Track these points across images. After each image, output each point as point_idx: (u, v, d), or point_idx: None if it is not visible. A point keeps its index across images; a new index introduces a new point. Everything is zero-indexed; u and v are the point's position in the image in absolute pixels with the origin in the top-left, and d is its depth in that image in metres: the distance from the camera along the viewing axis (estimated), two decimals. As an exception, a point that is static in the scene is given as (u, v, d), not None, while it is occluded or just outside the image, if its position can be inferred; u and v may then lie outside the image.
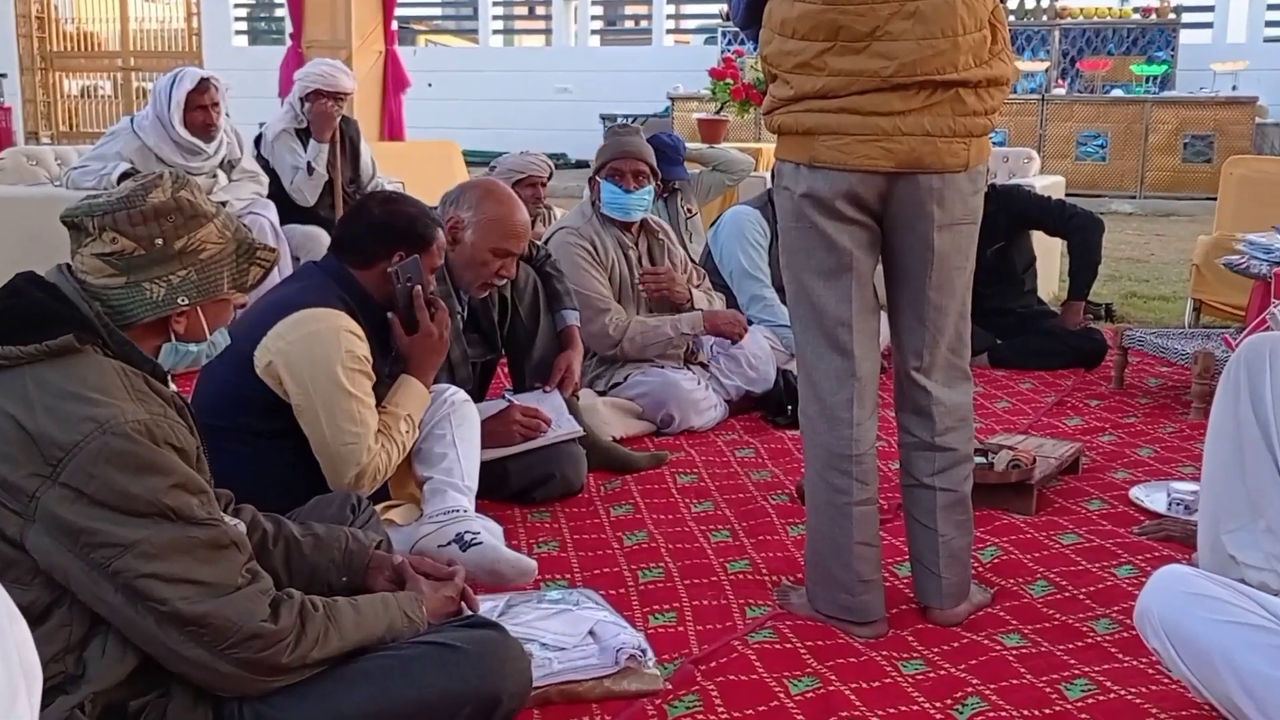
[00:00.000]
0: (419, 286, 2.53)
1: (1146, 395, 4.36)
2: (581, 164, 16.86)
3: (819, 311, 2.26)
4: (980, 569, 2.66)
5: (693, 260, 4.33)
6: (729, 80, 7.12)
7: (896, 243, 2.27)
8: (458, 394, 2.75)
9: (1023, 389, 4.48)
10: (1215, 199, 6.13)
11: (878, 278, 2.31)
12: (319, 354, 2.38)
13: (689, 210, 5.42)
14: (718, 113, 7.23)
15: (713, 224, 4.78)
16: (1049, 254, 5.97)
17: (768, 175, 5.90)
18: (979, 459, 3.00)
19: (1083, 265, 4.80)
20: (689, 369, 4.00)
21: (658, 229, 4.00)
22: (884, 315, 2.39)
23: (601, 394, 3.83)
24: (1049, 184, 6.32)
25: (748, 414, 4.06)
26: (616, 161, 3.86)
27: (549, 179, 5.00)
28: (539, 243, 3.60)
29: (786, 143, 2.24)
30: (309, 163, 5.02)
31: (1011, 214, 4.76)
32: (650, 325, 3.84)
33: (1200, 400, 3.99)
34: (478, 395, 3.25)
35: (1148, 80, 13.03)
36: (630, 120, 16.72)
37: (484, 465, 2.76)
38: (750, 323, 4.40)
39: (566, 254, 3.76)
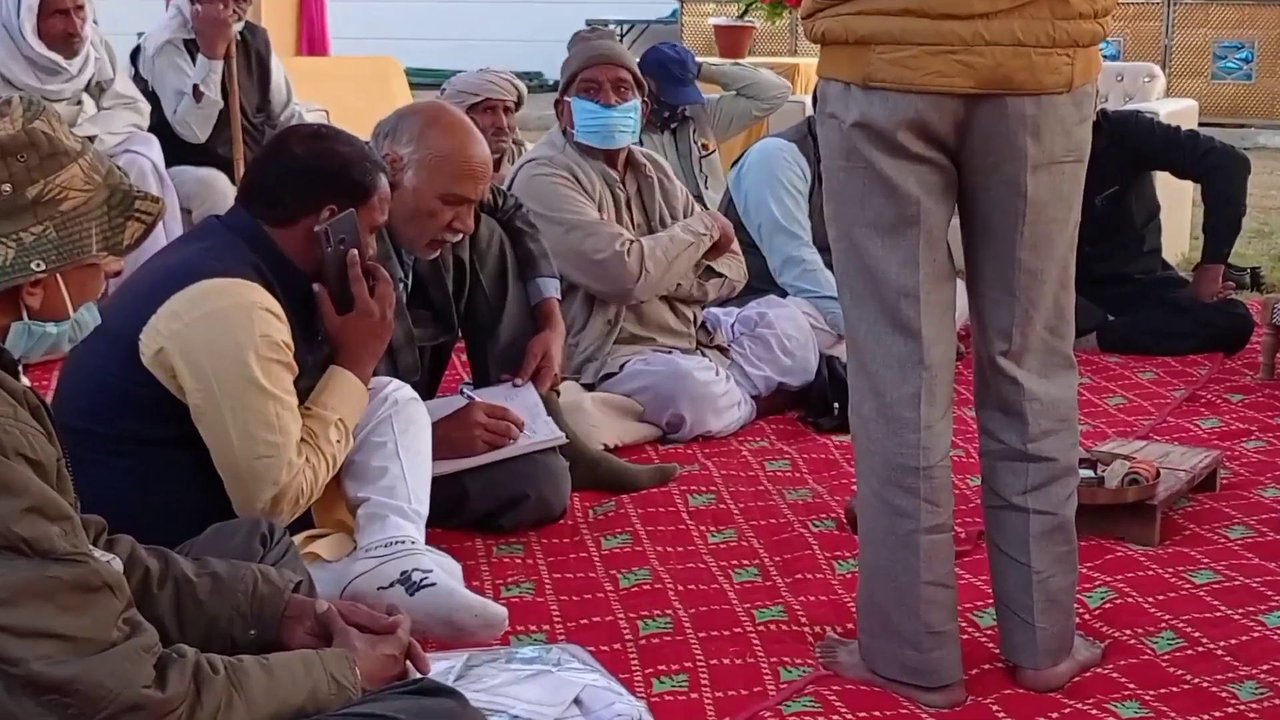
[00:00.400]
0: (355, 250, 2.53)
1: (1304, 387, 4.38)
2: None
3: (876, 279, 2.26)
4: (1087, 616, 2.66)
5: (701, 203, 4.32)
6: (755, -24, 7.12)
7: (978, 188, 2.27)
8: (401, 390, 2.75)
9: (1142, 380, 4.49)
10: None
11: (953, 235, 2.31)
12: (225, 339, 2.38)
13: (704, 147, 5.42)
14: (741, 17, 7.23)
15: (734, 163, 4.78)
16: (1177, 203, 5.98)
17: (808, 100, 5.89)
18: (1085, 472, 3.00)
19: (1221, 218, 4.80)
20: (703, 354, 4.01)
21: (645, 163, 4.01)
22: (961, 284, 2.38)
23: (590, 387, 3.83)
24: (1177, 110, 6.33)
25: (781, 414, 4.06)
26: (589, 70, 3.88)
27: (518, 105, 5.00)
28: (505, 188, 3.60)
29: (833, 56, 2.24)
30: (196, 85, 4.99)
31: (1127, 150, 4.76)
32: (661, 238, 3.86)
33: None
34: (428, 391, 3.25)
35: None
36: (620, 28, 16.73)
37: (436, 482, 2.76)
38: (785, 293, 4.42)
39: (539, 189, 3.76)
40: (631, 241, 3.78)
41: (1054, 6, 2.17)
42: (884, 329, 2.28)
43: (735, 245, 4.12)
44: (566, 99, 3.90)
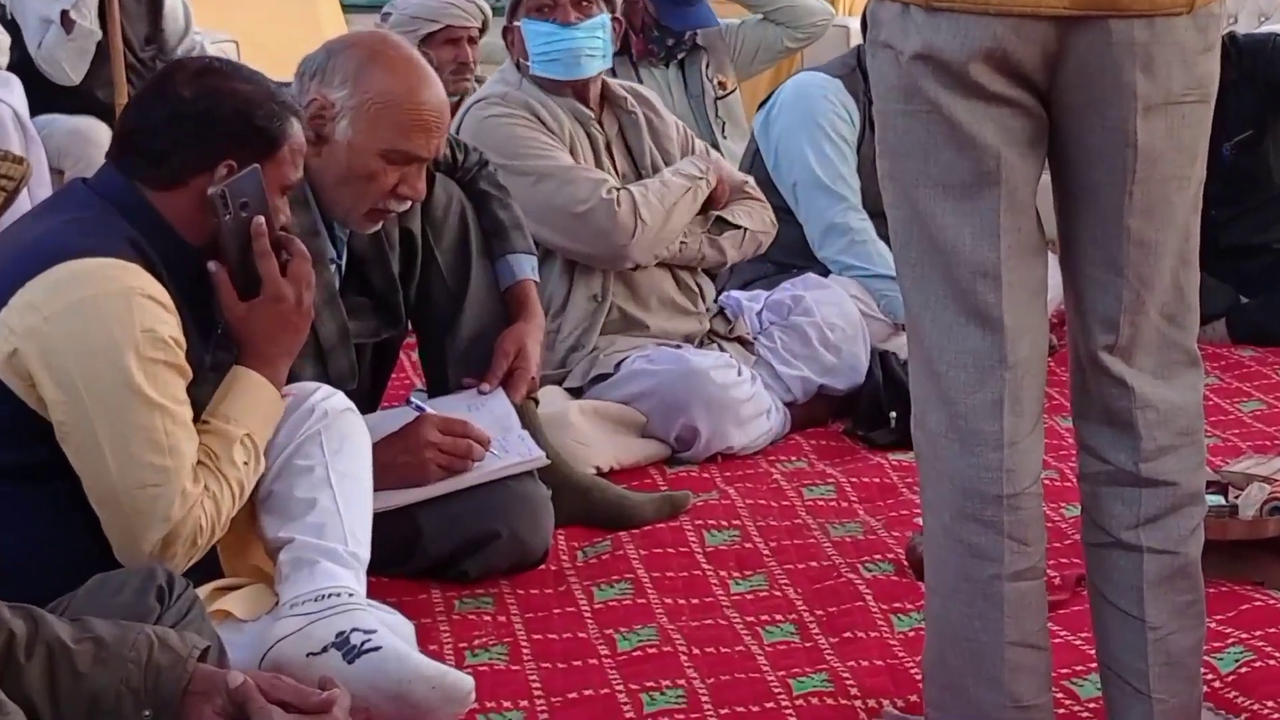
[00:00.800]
0: (261, 217, 2.54)
1: None
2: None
3: (946, 254, 2.27)
4: (1217, 684, 2.66)
5: (714, 146, 4.32)
6: None
7: (1075, 137, 2.27)
8: (333, 399, 2.75)
9: (1286, 380, 4.50)
10: None
11: (1043, 197, 2.32)
12: (96, 336, 2.38)
13: (720, 85, 5.42)
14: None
15: (761, 105, 4.79)
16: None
17: (854, 24, 5.90)
18: (1213, 499, 3.00)
19: None
20: (721, 348, 4.02)
21: (626, 96, 4.04)
22: (1053, 259, 2.39)
23: (577, 393, 3.84)
24: (1327, 32, 6.31)
25: (823, 426, 4.08)
26: None
27: (482, 32, 5.00)
28: (466, 141, 3.61)
29: None
30: (65, 11, 4.99)
31: (1264, 84, 4.76)
32: (651, 184, 3.89)
33: None
34: (369, 401, 3.25)
35: None
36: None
37: (380, 518, 2.76)
38: (827, 271, 4.42)
39: (494, 135, 3.79)
40: (618, 189, 3.80)
41: None
42: (956, 318, 2.28)
43: (753, 186, 4.12)
44: (515, 23, 3.93)
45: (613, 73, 4.28)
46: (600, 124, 3.97)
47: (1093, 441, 2.39)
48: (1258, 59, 4.75)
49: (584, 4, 3.90)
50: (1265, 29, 5.94)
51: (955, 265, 2.27)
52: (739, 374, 3.89)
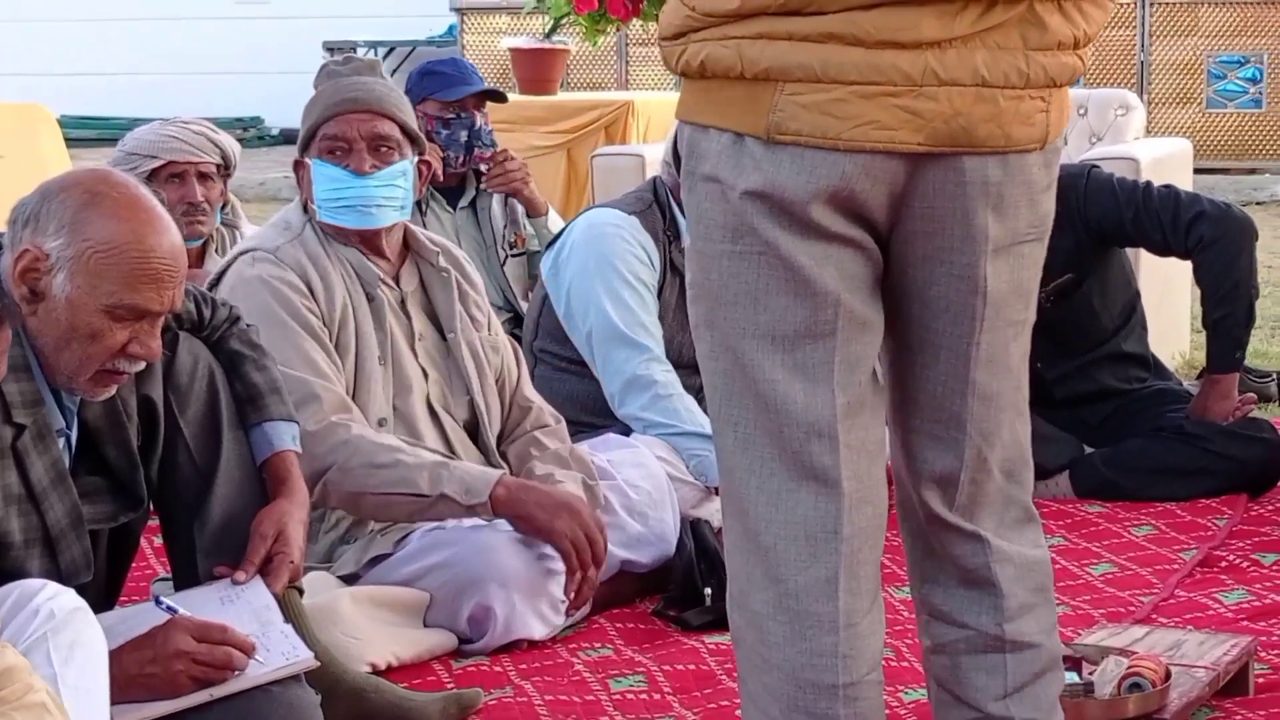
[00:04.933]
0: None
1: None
2: (293, 137, 16.85)
3: (775, 411, 2.28)
4: None
5: (513, 314, 4.32)
6: (568, -25, 7.21)
7: (917, 286, 2.32)
8: (61, 597, 2.70)
9: (1137, 537, 4.56)
10: None
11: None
12: None
13: (514, 244, 5.45)
14: (549, 36, 7.30)
15: (549, 245, 4.80)
16: (1169, 284, 6.14)
17: (649, 151, 5.95)
18: (1066, 677, 3.02)
19: (1224, 308, 4.93)
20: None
21: (435, 250, 4.04)
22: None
23: (351, 578, 3.79)
24: (1163, 155, 6.51)
25: (629, 605, 4.06)
26: (334, 122, 3.91)
27: (228, 169, 4.98)
28: (212, 294, 3.56)
29: (715, 95, 2.25)
30: None
31: (1082, 222, 4.87)
32: (389, 450, 3.78)
33: None
34: (106, 597, 3.19)
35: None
36: (374, 53, 16.83)
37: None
38: (628, 429, 4.42)
39: (252, 297, 3.77)
40: (340, 424, 3.75)
41: (1026, 33, 2.24)
42: (785, 483, 2.29)
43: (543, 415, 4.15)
44: (306, 160, 3.93)
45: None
46: (398, 279, 3.96)
47: (946, 606, 2.41)
48: (1072, 193, 4.78)
49: (383, 150, 3.90)
50: (1097, 151, 6.10)
51: (786, 424, 2.28)
52: (540, 548, 3.85)
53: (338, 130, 3.90)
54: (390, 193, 3.90)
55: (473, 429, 4.06)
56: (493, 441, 4.07)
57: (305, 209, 3.95)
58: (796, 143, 2.21)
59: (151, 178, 4.71)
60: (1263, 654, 3.60)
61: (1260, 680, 3.48)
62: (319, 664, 3.18)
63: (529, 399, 4.18)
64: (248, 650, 3.04)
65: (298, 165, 3.96)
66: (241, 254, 3.90)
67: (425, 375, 4.01)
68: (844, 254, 2.25)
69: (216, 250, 5.06)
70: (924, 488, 2.39)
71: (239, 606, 3.15)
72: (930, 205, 2.25)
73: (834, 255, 2.24)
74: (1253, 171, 12.65)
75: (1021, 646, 2.38)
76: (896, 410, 2.40)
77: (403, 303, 3.97)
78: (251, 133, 16.66)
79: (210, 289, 3.80)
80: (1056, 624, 2.45)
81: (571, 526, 3.72)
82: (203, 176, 4.88)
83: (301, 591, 3.38)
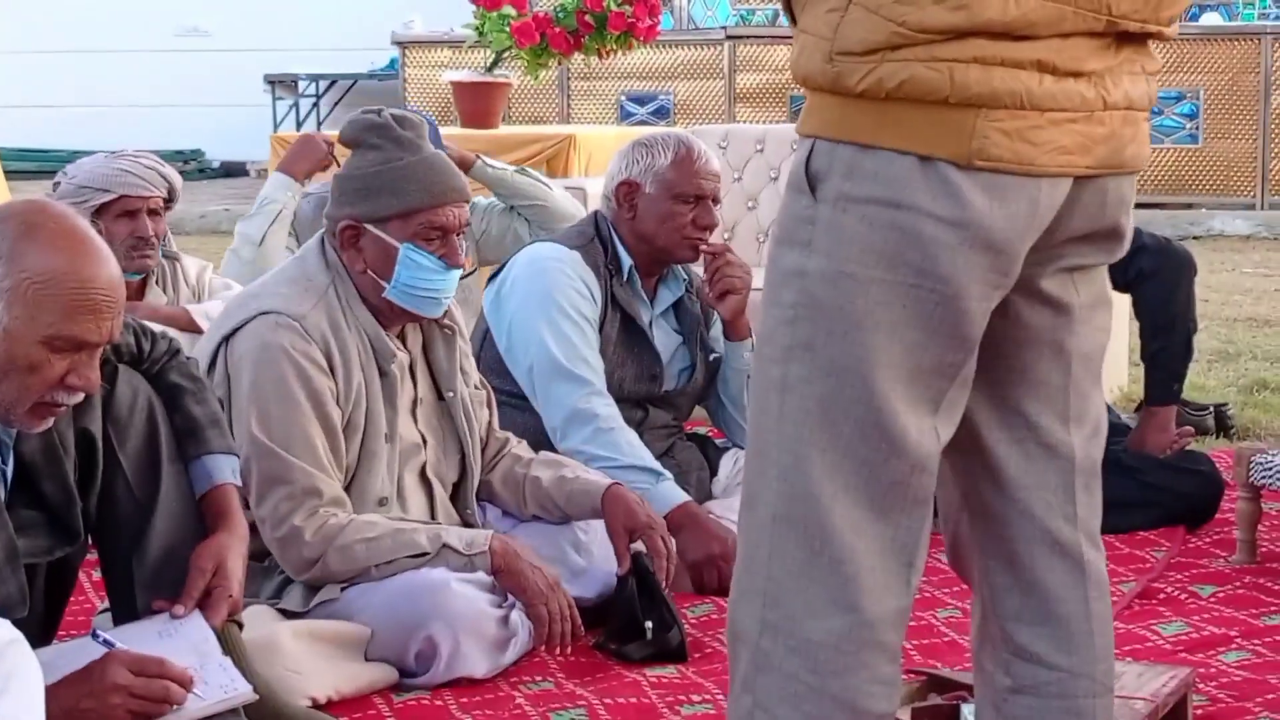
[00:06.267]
0: None
1: (1302, 573, 4.54)
2: (234, 170, 16.83)
3: (890, 443, 2.26)
4: None
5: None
6: (509, 9, 7.23)
7: (1036, 282, 2.38)
8: (-1, 632, 2.67)
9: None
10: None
11: None
12: None
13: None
14: (490, 70, 7.32)
15: (490, 279, 4.81)
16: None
17: (589, 185, 5.94)
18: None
19: (1163, 341, 4.97)
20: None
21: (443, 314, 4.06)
22: None
23: (297, 614, 3.79)
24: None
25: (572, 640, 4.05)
26: (440, 211, 3.87)
27: (170, 202, 4.97)
28: (154, 325, 3.56)
29: (902, 116, 2.19)
30: None
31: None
32: (385, 528, 3.82)
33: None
34: (43, 631, 3.17)
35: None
36: (316, 87, 16.73)
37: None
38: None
39: (269, 367, 3.76)
40: (333, 514, 3.76)
41: (1144, 60, 2.32)
42: (869, 512, 2.27)
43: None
44: (380, 233, 3.88)
45: None
46: (404, 341, 3.98)
47: (1036, 646, 2.46)
48: None
49: (462, 236, 3.94)
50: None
51: (896, 456, 2.26)
52: (487, 586, 3.86)
53: (443, 221, 3.88)
54: (456, 281, 3.96)
55: (457, 487, 4.11)
56: (473, 496, 4.12)
57: (343, 267, 3.91)
58: (996, 169, 2.19)
59: (101, 212, 4.70)
60: (1201, 685, 3.63)
61: (1199, 712, 3.52)
62: (257, 697, 3.18)
63: (500, 433, 4.26)
64: (186, 684, 3.04)
65: (355, 231, 3.88)
66: (263, 313, 3.83)
67: (424, 442, 4.03)
68: (1002, 295, 2.28)
69: (157, 282, 5.05)
70: (1038, 505, 2.43)
71: (177, 640, 3.14)
72: (1073, 225, 2.31)
73: (997, 296, 2.26)
74: (1189, 206, 12.75)
75: (1106, 691, 2.43)
76: (993, 429, 2.43)
77: (410, 367, 3.98)
78: (192, 165, 16.61)
79: (222, 343, 3.82)
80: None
81: (555, 599, 3.78)
82: (151, 212, 4.88)
83: (241, 625, 3.38)
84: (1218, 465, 5.07)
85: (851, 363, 2.24)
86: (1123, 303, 6.19)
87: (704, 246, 4.64)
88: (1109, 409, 5.28)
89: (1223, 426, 6.07)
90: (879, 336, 2.22)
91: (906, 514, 2.28)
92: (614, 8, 7.07)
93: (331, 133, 5.33)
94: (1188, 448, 5.14)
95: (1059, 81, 2.21)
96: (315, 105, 16.76)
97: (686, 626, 4.01)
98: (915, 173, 2.19)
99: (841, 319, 2.23)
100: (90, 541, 3.31)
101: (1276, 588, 4.38)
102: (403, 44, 13.89)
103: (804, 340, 2.26)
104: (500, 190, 5.57)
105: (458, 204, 3.94)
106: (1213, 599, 4.32)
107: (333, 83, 16.36)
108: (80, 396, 3.06)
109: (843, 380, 2.25)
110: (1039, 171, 2.20)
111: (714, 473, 4.90)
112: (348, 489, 3.85)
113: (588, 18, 7.11)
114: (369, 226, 3.88)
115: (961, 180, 2.18)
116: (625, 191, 4.68)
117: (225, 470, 3.37)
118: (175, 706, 3.02)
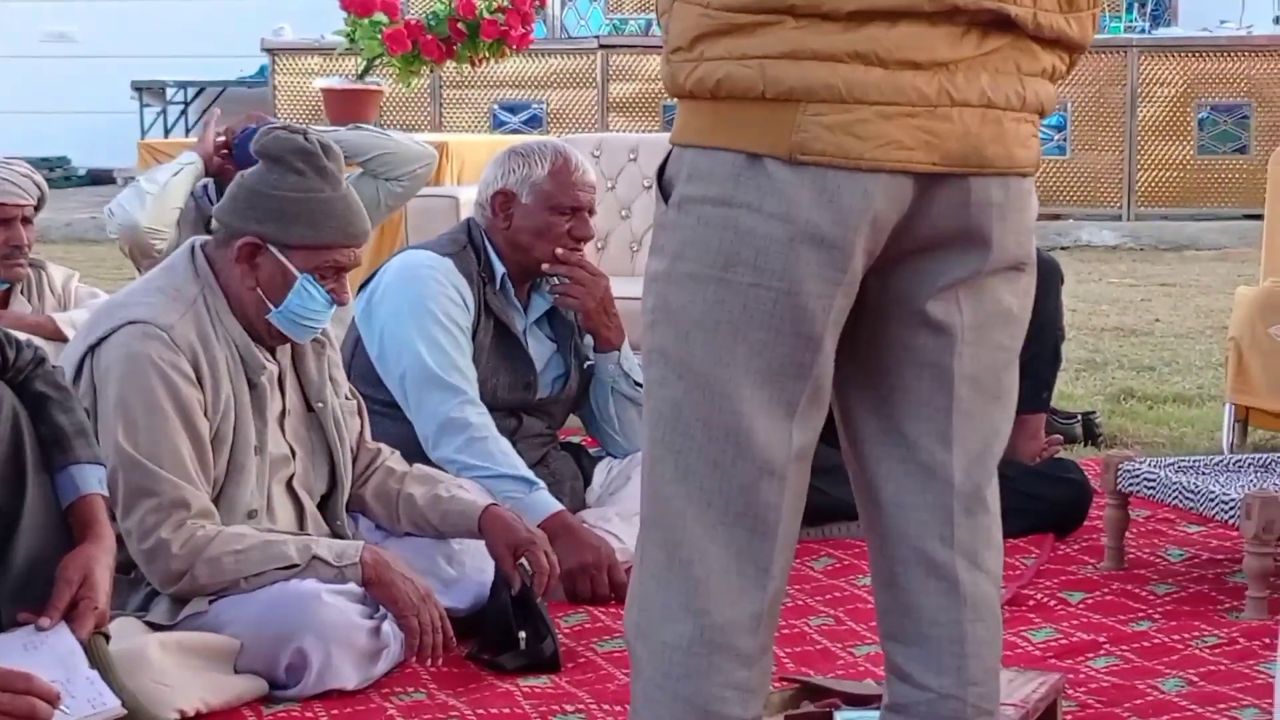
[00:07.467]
0: None
1: (1166, 579, 4.58)
2: (101, 178, 16.65)
3: (732, 445, 2.26)
4: None
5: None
6: (381, 16, 7.20)
7: (905, 296, 2.36)
8: None
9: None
10: (1260, 216, 6.50)
11: None
12: None
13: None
14: (361, 77, 7.29)
15: (361, 287, 4.78)
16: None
17: (462, 193, 5.93)
18: (861, 715, 3.06)
19: (1031, 348, 4.97)
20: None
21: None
22: None
23: (165, 626, 3.75)
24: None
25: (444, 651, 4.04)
26: (344, 251, 3.88)
27: (37, 207, 4.92)
28: (19, 334, 3.53)
29: (730, 115, 2.22)
30: None
31: None
32: (254, 540, 3.78)
33: (1260, 585, 4.21)
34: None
35: (1132, 8, 13.96)
36: (184, 94, 16.60)
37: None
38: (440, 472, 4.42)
39: (135, 378, 3.72)
40: (198, 525, 3.72)
41: (1019, 60, 2.29)
42: (723, 516, 2.28)
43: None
44: (280, 257, 3.82)
45: None
46: (274, 358, 3.95)
47: (909, 667, 2.47)
48: None
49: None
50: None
51: (741, 458, 2.26)
52: (359, 598, 3.84)
53: (345, 261, 3.89)
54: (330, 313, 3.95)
55: (326, 498, 4.09)
56: (343, 508, 4.10)
57: (196, 273, 3.86)
58: (819, 163, 2.19)
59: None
60: (1071, 691, 3.67)
61: (1068, 717, 3.55)
62: (126, 711, 3.16)
63: (371, 444, 4.23)
64: (52, 699, 3.00)
65: (256, 248, 3.82)
66: (130, 323, 3.78)
67: (293, 453, 4.00)
68: (846, 292, 2.26)
69: (22, 291, 5.00)
70: (912, 525, 2.42)
71: (43, 654, 3.11)
72: (935, 226, 2.28)
73: (838, 293, 2.24)
74: (1057, 217, 12.89)
75: (981, 714, 2.41)
76: (874, 446, 2.42)
77: (280, 378, 3.95)
78: (58, 173, 16.39)
79: (88, 352, 3.77)
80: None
81: (427, 610, 3.75)
82: (25, 220, 4.84)
83: (108, 637, 3.34)
84: (1086, 473, 5.13)
85: (698, 364, 2.26)
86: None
87: (558, 252, 4.63)
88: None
89: (1090, 435, 6.15)
90: (723, 336, 2.24)
91: (760, 519, 2.28)
92: (487, 15, 7.06)
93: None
94: (1057, 455, 5.20)
95: (890, 74, 2.20)
96: (183, 112, 16.62)
97: (560, 636, 4.01)
98: (744, 170, 2.21)
99: (686, 320, 2.26)
100: (-47, 553, 3.28)
101: (1144, 594, 4.44)
102: (272, 51, 13.83)
103: (659, 344, 2.29)
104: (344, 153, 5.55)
105: (359, 245, 3.96)
106: (1081, 605, 4.37)
107: (201, 90, 16.22)
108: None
109: (691, 382, 2.27)
110: (867, 166, 2.20)
111: (588, 482, 4.90)
112: (216, 501, 3.81)
113: (460, 25, 7.09)
114: (272, 248, 3.85)
115: (788, 176, 2.19)
116: (501, 201, 4.66)
117: (92, 480, 3.34)
118: (41, 722, 3.00)
